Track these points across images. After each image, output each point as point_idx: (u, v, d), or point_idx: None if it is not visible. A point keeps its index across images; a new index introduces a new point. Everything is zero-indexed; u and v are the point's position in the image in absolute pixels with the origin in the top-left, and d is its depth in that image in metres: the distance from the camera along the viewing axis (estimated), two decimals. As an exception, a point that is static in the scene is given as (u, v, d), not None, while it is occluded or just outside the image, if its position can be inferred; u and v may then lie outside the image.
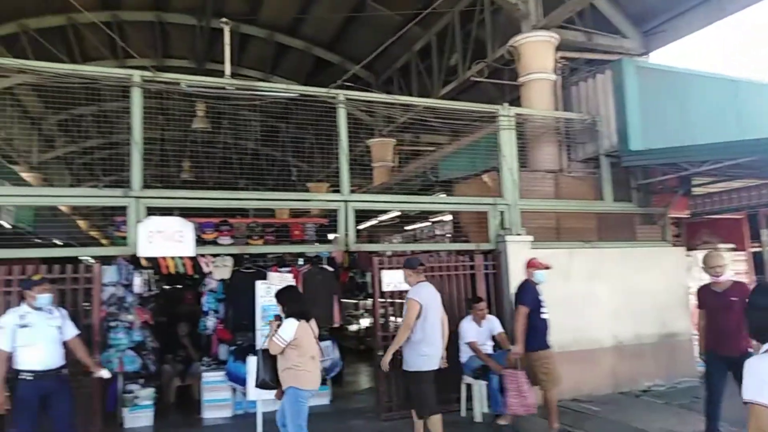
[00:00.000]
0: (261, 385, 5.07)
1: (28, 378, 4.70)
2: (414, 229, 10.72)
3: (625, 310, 7.92)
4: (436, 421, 5.30)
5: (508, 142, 7.91)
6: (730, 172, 7.81)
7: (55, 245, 8.44)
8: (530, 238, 7.58)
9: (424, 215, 10.13)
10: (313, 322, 5.11)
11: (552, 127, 8.76)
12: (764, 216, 9.94)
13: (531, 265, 6.41)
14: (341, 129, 7.27)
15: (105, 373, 5.24)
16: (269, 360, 4.99)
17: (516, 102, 9.09)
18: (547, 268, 6.36)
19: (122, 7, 12.68)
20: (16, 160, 11.01)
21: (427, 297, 5.46)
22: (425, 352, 5.36)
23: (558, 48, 9.29)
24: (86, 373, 5.56)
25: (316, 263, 7.88)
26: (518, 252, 7.42)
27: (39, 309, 4.88)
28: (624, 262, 8.06)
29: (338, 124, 7.27)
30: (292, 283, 6.08)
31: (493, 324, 6.77)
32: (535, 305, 6.15)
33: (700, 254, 9.14)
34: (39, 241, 8.17)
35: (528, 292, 6.20)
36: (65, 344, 5.02)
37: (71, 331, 5.11)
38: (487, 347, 6.68)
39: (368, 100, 7.99)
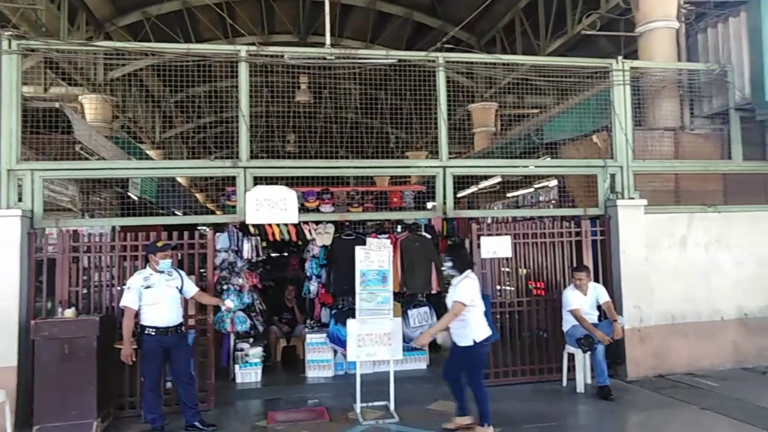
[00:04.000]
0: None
1: (152, 333, 5.23)
2: (516, 196, 10.33)
3: (754, 280, 7.16)
4: None
5: (621, 99, 7.31)
6: None
7: (175, 215, 9.21)
8: (644, 202, 7.01)
9: (527, 181, 9.72)
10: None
11: (673, 80, 7.94)
12: None
13: None
14: (440, 92, 7.11)
15: (229, 303, 5.95)
16: None
17: (633, 56, 8.34)
18: None
19: (231, -13, 13.26)
20: (141, 139, 12.08)
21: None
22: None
23: (683, -9, 8.36)
24: (203, 333, 6.08)
25: (414, 230, 7.89)
26: (630, 217, 6.91)
27: (161, 272, 5.37)
28: (754, 228, 7.25)
29: (437, 87, 7.12)
30: (390, 248, 6.11)
31: (598, 293, 6.39)
32: None
33: None
34: (161, 211, 8.93)
35: None
36: (190, 300, 5.70)
37: (192, 287, 5.65)
38: (592, 316, 6.32)
39: (468, 62, 7.70)
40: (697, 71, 7.89)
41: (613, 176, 7.22)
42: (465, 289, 4.98)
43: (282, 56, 6.90)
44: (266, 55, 6.85)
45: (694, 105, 8.08)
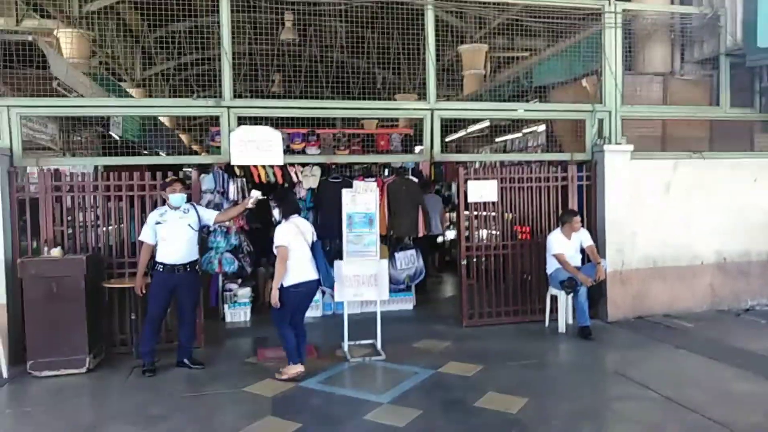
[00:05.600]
0: None
1: (160, 269, 5.27)
2: (504, 141, 10.31)
3: (733, 226, 7.30)
4: None
5: (612, 43, 7.21)
6: None
7: (158, 155, 9.05)
8: (630, 147, 7.04)
9: (516, 126, 9.67)
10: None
11: (665, 24, 7.82)
12: None
13: None
14: (429, 32, 6.95)
15: (255, 193, 5.52)
16: None
17: (626, -1, 8.15)
18: None
19: None
20: (121, 77, 11.67)
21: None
22: None
23: (678, -70, 8.11)
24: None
25: (402, 174, 7.87)
26: (616, 163, 6.97)
27: (176, 209, 5.36)
28: (737, 175, 7.33)
29: (425, 27, 6.94)
30: (376, 192, 6.11)
31: (582, 236, 6.51)
32: None
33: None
34: (145, 152, 8.76)
35: None
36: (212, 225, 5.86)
37: (210, 214, 5.63)
38: (576, 260, 6.47)
39: (459, 0, 7.49)
40: (690, 15, 7.77)
41: (601, 121, 7.21)
42: (279, 234, 5.05)
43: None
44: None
45: (685, 50, 8.01)
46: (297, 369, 5.07)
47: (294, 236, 5.09)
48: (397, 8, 7.14)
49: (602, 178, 6.97)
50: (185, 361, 5.45)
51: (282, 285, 5.00)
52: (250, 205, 5.54)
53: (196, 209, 5.51)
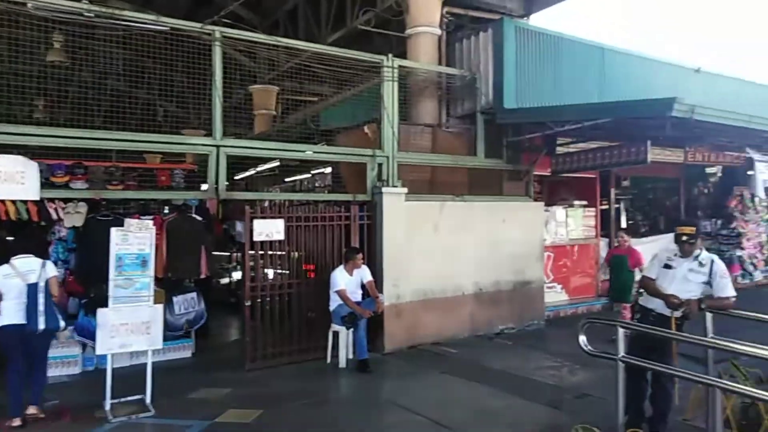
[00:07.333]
0: None
1: None
2: (294, 181, 10.48)
3: (487, 260, 8.34)
4: None
5: (390, 94, 7.87)
6: (589, 133, 8.36)
7: None
8: (405, 190, 7.68)
9: (304, 167, 9.90)
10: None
11: (434, 81, 8.83)
12: (614, 176, 10.88)
13: None
14: (216, 68, 6.85)
15: None
16: None
17: (403, 56, 9.02)
18: None
19: None
20: None
21: None
22: None
23: (445, 3, 9.30)
24: None
25: (184, 212, 7.47)
26: (393, 204, 7.52)
27: None
28: (490, 215, 8.43)
29: (213, 63, 6.82)
30: (152, 230, 5.68)
31: (363, 273, 6.84)
32: None
33: (558, 210, 9.90)
34: None
35: None
36: None
37: None
38: (357, 295, 6.75)
39: (248, 40, 7.52)
40: (454, 76, 8.90)
41: (380, 165, 7.75)
42: None
43: (25, 3, 5.94)
44: (5, 0, 5.83)
45: (450, 106, 9.11)
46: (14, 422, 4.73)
47: (5, 278, 4.92)
48: (184, 40, 6.91)
49: (381, 218, 7.46)
50: None
51: None
52: None
53: None
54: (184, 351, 7.21)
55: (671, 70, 10.48)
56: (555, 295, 9.41)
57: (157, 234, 6.88)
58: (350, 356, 6.73)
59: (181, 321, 6.90)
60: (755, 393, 3.79)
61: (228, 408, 5.28)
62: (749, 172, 9.77)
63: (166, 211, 7.63)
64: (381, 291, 7.03)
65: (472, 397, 5.62)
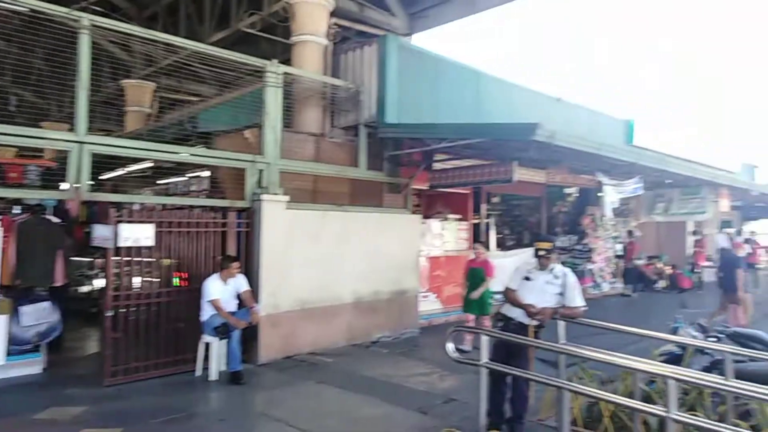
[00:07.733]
0: None
1: None
2: (167, 184, 9.93)
3: (366, 270, 8.48)
4: None
5: (273, 100, 7.77)
6: (463, 151, 8.87)
7: None
8: (286, 198, 7.59)
9: (180, 169, 9.42)
10: None
11: (319, 91, 8.86)
12: (485, 192, 11.66)
13: None
14: (82, 57, 6.32)
15: None
16: None
17: (288, 63, 8.95)
18: None
19: None
20: None
21: None
22: None
23: (332, 14, 9.39)
24: None
25: (38, 213, 6.78)
26: (273, 212, 7.40)
27: None
28: (370, 226, 8.60)
29: (79, 51, 6.29)
30: (-2, 232, 5.10)
31: (239, 282, 6.65)
32: None
33: (434, 222, 10.37)
34: None
35: None
36: None
37: None
38: (232, 305, 6.54)
39: (121, 32, 7.02)
40: (339, 87, 9.00)
41: (261, 171, 7.60)
42: None
43: None
44: None
45: (334, 116, 9.18)
46: None
47: None
48: (48, 24, 6.30)
49: (260, 226, 7.30)
50: None
51: None
52: None
53: None
54: (32, 367, 6.42)
55: (537, 98, 11.43)
56: (429, 304, 9.79)
57: (4, 237, 6.24)
58: (222, 368, 6.48)
59: (30, 333, 6.22)
60: (597, 393, 4.27)
61: (81, 428, 4.85)
62: (599, 194, 10.90)
63: (17, 210, 6.86)
64: (258, 300, 6.87)
65: (347, 405, 5.66)
